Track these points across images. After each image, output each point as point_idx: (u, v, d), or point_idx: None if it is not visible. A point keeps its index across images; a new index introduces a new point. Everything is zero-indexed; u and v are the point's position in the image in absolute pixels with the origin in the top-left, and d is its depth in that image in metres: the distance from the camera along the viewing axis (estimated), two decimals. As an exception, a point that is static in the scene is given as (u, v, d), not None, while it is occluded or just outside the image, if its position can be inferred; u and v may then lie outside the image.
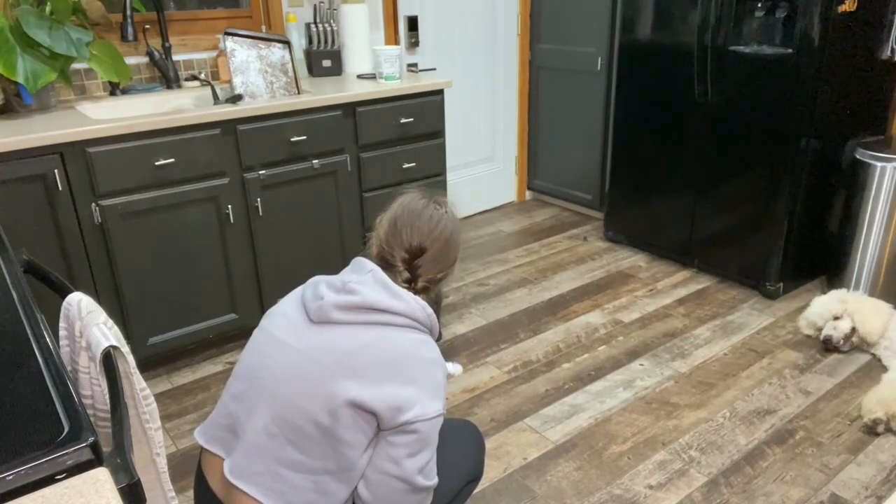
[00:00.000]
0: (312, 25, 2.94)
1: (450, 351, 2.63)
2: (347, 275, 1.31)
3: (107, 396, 1.03)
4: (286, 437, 1.20)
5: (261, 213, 2.49)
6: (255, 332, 1.33)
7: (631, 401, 2.32)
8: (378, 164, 2.74)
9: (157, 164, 2.21)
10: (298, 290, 1.36)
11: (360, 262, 1.33)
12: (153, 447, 1.11)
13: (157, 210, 2.27)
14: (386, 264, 1.33)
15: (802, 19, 2.55)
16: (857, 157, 2.78)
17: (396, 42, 3.39)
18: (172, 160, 2.24)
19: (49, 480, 0.67)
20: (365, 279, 1.27)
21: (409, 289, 1.31)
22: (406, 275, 1.32)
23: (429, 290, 1.36)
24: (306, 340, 1.23)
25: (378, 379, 1.19)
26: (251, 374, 1.27)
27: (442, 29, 3.56)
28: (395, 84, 2.74)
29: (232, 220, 2.43)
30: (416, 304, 1.27)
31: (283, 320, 1.29)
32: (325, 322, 1.24)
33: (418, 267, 1.33)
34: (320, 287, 1.29)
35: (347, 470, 1.21)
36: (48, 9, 2.22)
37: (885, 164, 2.67)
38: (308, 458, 1.20)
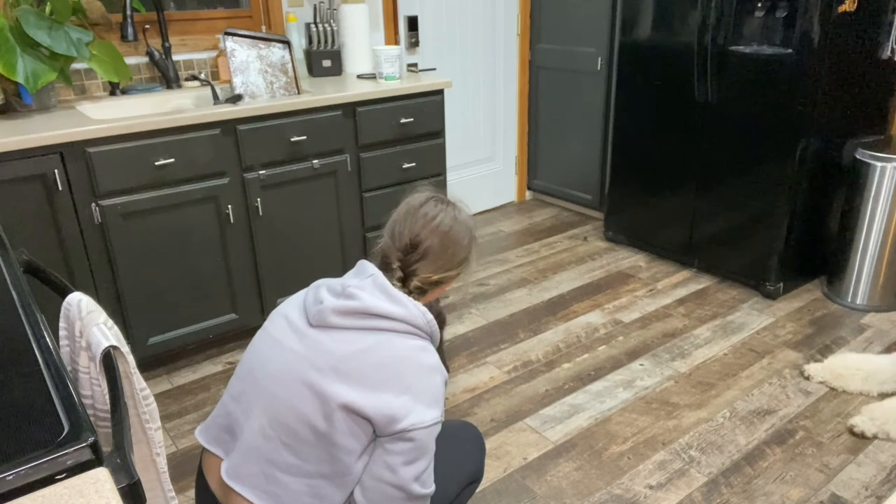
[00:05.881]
0: (312, 25, 2.94)
1: (450, 351, 2.63)
2: (349, 279, 1.29)
3: (107, 396, 1.03)
4: (281, 440, 1.20)
5: (261, 213, 2.49)
6: (258, 333, 1.33)
7: (631, 401, 2.32)
8: (378, 164, 2.74)
9: (157, 164, 2.21)
10: (302, 292, 1.35)
11: (362, 265, 1.31)
12: (153, 447, 1.11)
13: (157, 210, 2.27)
14: (385, 264, 1.31)
15: (802, 19, 2.55)
16: (857, 157, 2.78)
17: (396, 42, 3.39)
18: (172, 160, 2.24)
19: (49, 480, 0.67)
20: (365, 283, 1.25)
21: (402, 289, 1.29)
22: (399, 273, 1.29)
23: (425, 293, 1.33)
24: (304, 343, 1.23)
25: (373, 386, 1.18)
26: (249, 375, 1.27)
27: (442, 29, 3.56)
28: (395, 84, 2.74)
29: (232, 220, 2.43)
30: (416, 311, 1.25)
31: (283, 322, 1.29)
32: (323, 326, 1.23)
33: (411, 264, 1.29)
34: (321, 291, 1.27)
35: (343, 475, 1.21)
36: (48, 9, 2.22)
37: (885, 164, 2.67)
38: (303, 462, 1.20)
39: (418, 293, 1.32)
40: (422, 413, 1.19)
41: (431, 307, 1.33)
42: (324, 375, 1.18)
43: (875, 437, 2.10)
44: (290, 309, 1.31)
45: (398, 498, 1.22)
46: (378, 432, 1.20)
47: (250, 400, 1.24)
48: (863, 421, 2.12)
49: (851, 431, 2.13)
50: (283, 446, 1.20)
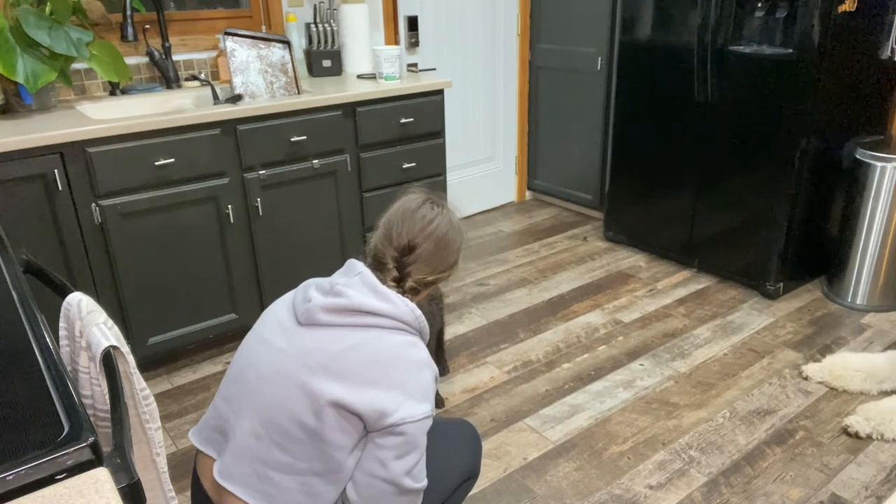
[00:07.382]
0: (312, 25, 2.94)
1: (450, 351, 2.63)
2: (337, 277, 1.31)
3: (107, 396, 1.03)
4: (272, 439, 1.20)
5: (261, 213, 2.49)
6: (248, 334, 1.34)
7: (631, 401, 2.32)
8: (378, 164, 2.74)
9: (157, 164, 2.21)
10: (292, 292, 1.37)
11: (351, 263, 1.33)
12: (153, 447, 1.11)
13: (157, 210, 2.27)
14: (379, 264, 1.33)
15: (802, 19, 2.55)
16: (857, 157, 2.78)
17: (396, 42, 3.39)
18: (172, 160, 2.24)
19: (49, 480, 0.67)
20: (353, 281, 1.26)
21: (396, 288, 1.30)
22: (395, 273, 1.31)
23: (418, 292, 1.34)
24: (293, 342, 1.24)
25: (363, 382, 1.19)
26: (239, 376, 1.28)
27: (442, 29, 3.56)
28: (395, 84, 2.74)
29: (232, 220, 2.43)
30: (405, 307, 1.26)
31: (272, 322, 1.30)
32: (312, 324, 1.24)
33: (407, 265, 1.31)
34: (310, 290, 1.29)
35: (335, 471, 1.21)
36: (48, 9, 2.22)
37: (885, 164, 2.67)
38: (295, 460, 1.20)
39: (412, 293, 1.33)
40: (412, 408, 1.20)
41: (423, 307, 1.34)
42: (313, 374, 1.19)
43: (869, 437, 2.10)
44: (279, 308, 1.32)
45: (390, 492, 1.22)
46: (368, 427, 1.21)
47: (241, 400, 1.25)
48: (857, 421, 2.12)
49: (846, 431, 2.13)
50: (274, 445, 1.21)
